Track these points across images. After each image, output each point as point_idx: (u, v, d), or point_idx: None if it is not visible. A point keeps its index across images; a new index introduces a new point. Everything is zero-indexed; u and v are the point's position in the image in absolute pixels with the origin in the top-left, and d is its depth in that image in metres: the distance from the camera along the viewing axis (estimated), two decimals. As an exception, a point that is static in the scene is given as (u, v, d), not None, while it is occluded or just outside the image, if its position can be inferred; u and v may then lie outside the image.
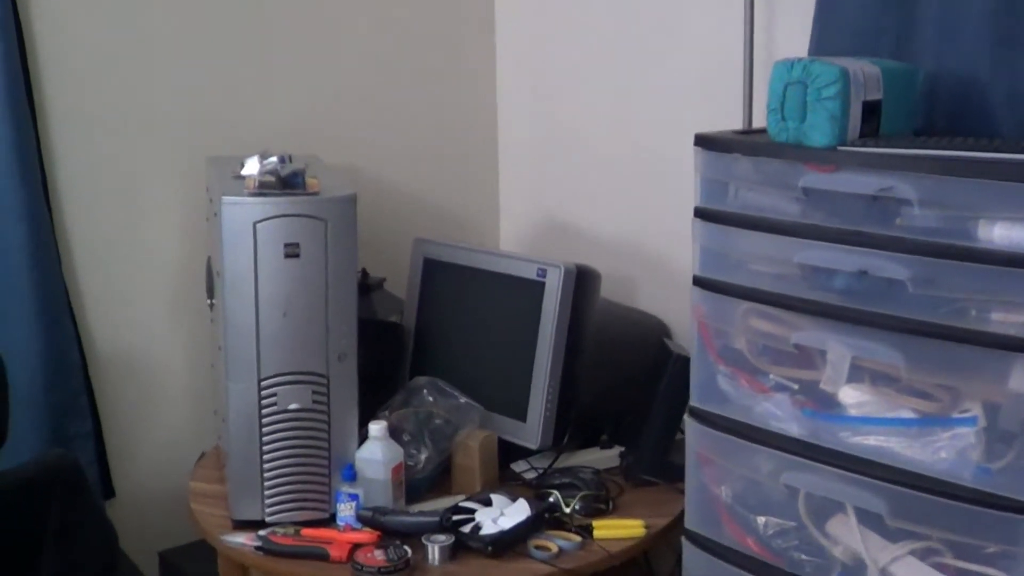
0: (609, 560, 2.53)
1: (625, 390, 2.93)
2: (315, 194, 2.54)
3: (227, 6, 3.16)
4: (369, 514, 2.55)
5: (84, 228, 3.01)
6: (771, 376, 2.27)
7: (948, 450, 1.99)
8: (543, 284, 2.83)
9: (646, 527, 2.61)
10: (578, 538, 2.56)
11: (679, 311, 2.85)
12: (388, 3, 3.45)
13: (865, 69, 2.15)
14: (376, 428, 2.63)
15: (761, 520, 2.28)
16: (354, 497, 2.56)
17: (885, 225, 2.01)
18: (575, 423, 2.90)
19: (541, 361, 2.83)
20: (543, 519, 2.59)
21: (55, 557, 2.46)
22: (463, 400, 2.85)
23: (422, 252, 3.16)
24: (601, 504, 2.70)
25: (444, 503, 2.66)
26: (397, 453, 2.65)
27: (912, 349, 2.00)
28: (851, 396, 2.13)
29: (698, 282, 2.34)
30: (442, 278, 3.12)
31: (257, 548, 2.51)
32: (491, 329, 3.01)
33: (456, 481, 2.81)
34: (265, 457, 2.57)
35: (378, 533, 2.52)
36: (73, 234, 2.99)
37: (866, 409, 2.11)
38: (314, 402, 2.58)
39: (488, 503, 2.62)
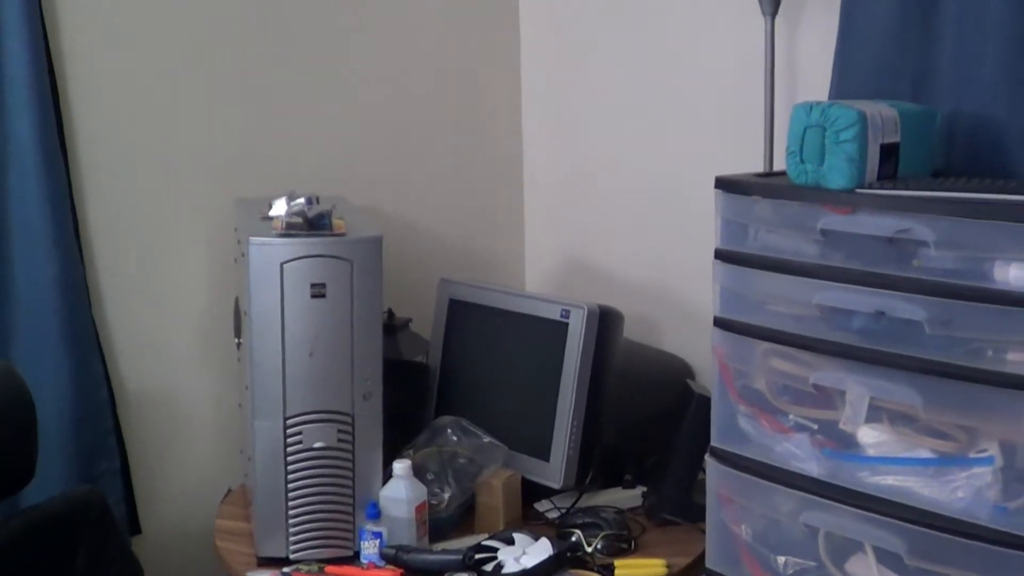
0: (631, 599, 2.55)
1: (648, 430, 2.94)
2: (341, 235, 2.57)
3: (255, 49, 3.20)
4: (392, 552, 2.57)
5: (114, 267, 3.04)
6: (791, 416, 2.28)
7: (965, 490, 2.00)
8: (567, 325, 2.85)
9: (668, 567, 2.61)
10: (600, 577, 2.57)
11: (702, 352, 2.86)
12: (414, 45, 3.48)
13: (883, 112, 2.17)
14: (400, 467, 2.65)
15: (781, 559, 2.28)
16: (378, 535, 2.58)
17: (902, 266, 2.03)
18: (598, 463, 2.91)
19: (564, 401, 2.85)
20: (565, 558, 2.59)
21: (82, 593, 2.49)
22: (487, 440, 2.87)
23: (447, 293, 3.19)
24: (623, 543, 2.71)
25: (467, 542, 2.67)
26: (421, 492, 2.67)
27: (929, 389, 2.01)
28: (870, 436, 2.14)
29: (718, 323, 2.35)
30: (467, 318, 3.14)
31: (281, 585, 2.54)
32: (515, 369, 3.02)
33: (479, 520, 2.83)
34: (290, 495, 2.59)
35: (401, 571, 2.53)
36: (103, 273, 3.02)
37: (884, 449, 2.12)
38: (339, 440, 2.60)
39: (511, 542, 2.63)
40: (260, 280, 2.53)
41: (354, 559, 2.62)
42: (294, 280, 2.53)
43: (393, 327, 3.16)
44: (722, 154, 3.01)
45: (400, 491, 2.63)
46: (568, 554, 2.61)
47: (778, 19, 2.79)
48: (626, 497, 2.95)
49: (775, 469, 2.25)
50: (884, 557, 2.09)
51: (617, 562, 2.62)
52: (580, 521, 2.77)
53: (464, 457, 2.84)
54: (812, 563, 2.23)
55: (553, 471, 2.87)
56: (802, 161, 2.18)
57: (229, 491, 3.08)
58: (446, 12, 3.56)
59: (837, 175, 2.13)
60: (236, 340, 2.87)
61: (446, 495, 2.79)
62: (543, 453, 2.88)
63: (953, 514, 1.98)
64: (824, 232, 2.15)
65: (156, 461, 3.15)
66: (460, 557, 2.55)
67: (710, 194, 2.34)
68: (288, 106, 3.28)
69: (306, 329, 2.55)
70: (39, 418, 2.49)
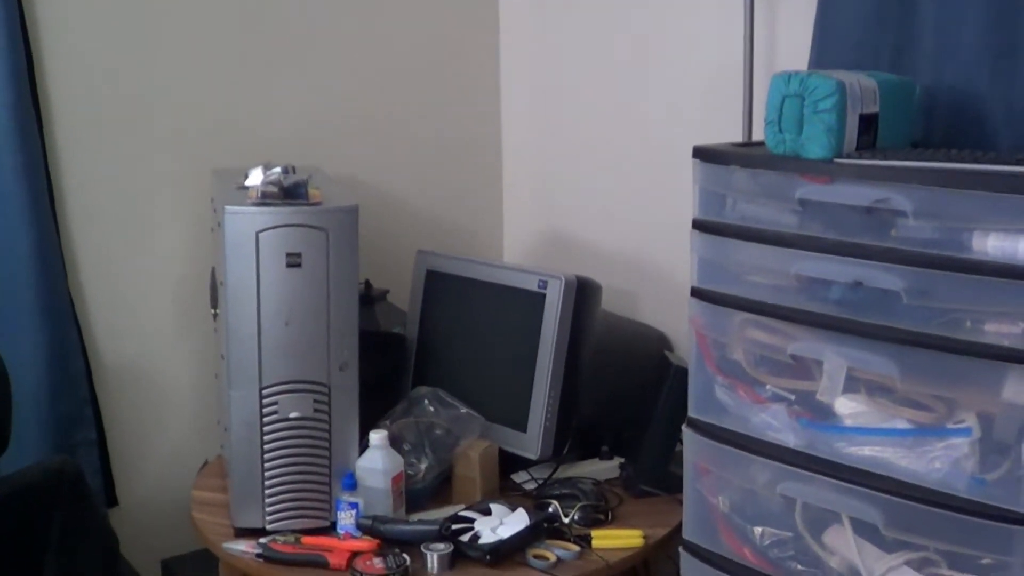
0: (607, 570, 2.54)
1: (625, 402, 2.93)
2: (317, 204, 2.56)
3: (232, 19, 3.18)
4: (369, 522, 2.56)
5: (90, 238, 3.02)
6: (768, 387, 2.28)
7: (943, 460, 2.00)
8: (544, 296, 2.85)
9: (645, 537, 2.62)
10: (577, 548, 2.57)
11: (680, 323, 2.85)
12: (392, 16, 3.47)
13: (862, 82, 2.16)
14: (377, 437, 2.64)
15: (758, 530, 2.28)
16: (354, 506, 2.58)
17: (880, 236, 2.02)
18: (575, 434, 2.90)
19: (542, 372, 2.84)
20: (542, 529, 2.60)
21: (57, 564, 2.47)
22: (464, 410, 2.86)
23: (424, 264, 3.18)
24: (600, 514, 2.72)
25: (444, 512, 2.67)
26: (397, 462, 2.66)
27: (907, 360, 2.01)
28: (847, 407, 2.14)
29: (696, 293, 2.35)
30: (444, 289, 3.13)
31: (258, 556, 2.53)
32: (492, 340, 3.02)
33: (456, 491, 2.82)
34: (266, 465, 2.59)
35: (377, 541, 2.53)
36: (78, 244, 3.01)
37: (861, 419, 2.11)
38: (315, 411, 2.60)
39: (487, 512, 2.64)
40: (235, 249, 2.52)
41: (330, 529, 2.62)
42: (269, 249, 2.52)
43: (371, 298, 3.16)
44: (700, 124, 3.00)
45: (377, 462, 2.62)
46: (545, 525, 2.62)
47: (758, -11, 2.79)
48: (603, 468, 2.95)
49: (752, 440, 2.24)
50: (861, 528, 2.10)
51: (594, 533, 2.62)
52: (557, 492, 2.78)
53: (441, 428, 2.84)
54: (789, 534, 2.23)
55: (530, 442, 2.86)
56: (780, 131, 2.17)
57: (206, 462, 3.08)
58: (424, -18, 3.54)
59: (815, 145, 2.12)
60: (212, 310, 2.86)
61: (423, 466, 2.79)
62: (520, 424, 2.88)
63: (930, 485, 1.98)
64: (802, 202, 2.14)
65: (133, 432, 3.14)
66: (437, 528, 2.55)
67: (688, 164, 2.33)
68: (266, 76, 3.26)
69: (282, 299, 2.54)
70: (14, 389, 2.48)
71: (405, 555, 2.47)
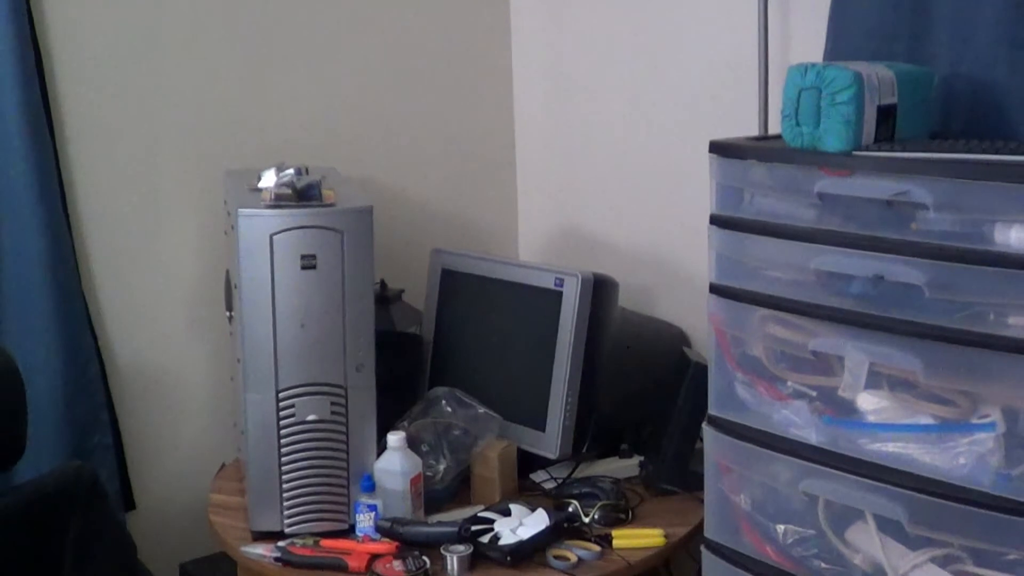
0: (629, 570, 2.53)
1: (644, 399, 2.92)
2: (331, 205, 2.55)
3: (244, 20, 3.16)
4: (388, 525, 2.55)
5: (103, 242, 3.01)
6: (789, 383, 2.26)
7: (967, 456, 1.98)
8: (560, 293, 2.83)
9: (666, 536, 2.61)
10: (597, 548, 2.55)
11: (698, 319, 2.84)
12: (404, 15, 3.45)
13: (880, 73, 2.14)
14: (395, 439, 2.62)
15: (780, 528, 2.26)
16: (373, 508, 2.56)
17: (901, 230, 2.00)
18: (594, 433, 2.89)
19: (559, 371, 2.83)
20: (562, 529, 2.59)
21: (74, 570, 2.46)
22: (482, 410, 2.84)
23: (440, 263, 3.16)
24: (620, 513, 2.70)
25: (463, 514, 2.66)
26: (416, 464, 2.65)
27: (930, 354, 1.99)
28: (869, 402, 2.12)
29: (714, 289, 2.33)
30: (460, 288, 3.12)
31: (276, 559, 2.51)
32: (509, 339, 3.00)
33: (475, 492, 2.81)
34: (284, 468, 2.58)
35: (397, 544, 2.52)
36: (92, 248, 3.00)
37: (885, 415, 2.10)
38: (332, 413, 2.58)
39: (507, 513, 2.62)
40: (250, 252, 2.51)
41: (349, 532, 2.60)
42: (284, 251, 2.50)
43: (386, 298, 3.14)
44: (715, 118, 2.98)
45: (395, 463, 2.61)
46: (565, 525, 2.60)
47: (772, -20, 2.76)
48: (623, 467, 2.94)
49: (774, 437, 2.23)
50: (885, 525, 2.08)
51: (615, 532, 2.60)
52: (577, 491, 2.76)
53: (459, 428, 2.82)
54: (812, 532, 2.22)
55: (549, 441, 2.85)
56: (798, 124, 2.15)
57: (223, 465, 3.06)
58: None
59: (833, 138, 2.10)
60: (227, 313, 2.84)
61: (441, 467, 2.77)
62: (539, 423, 2.86)
63: (955, 481, 1.96)
64: (821, 195, 2.12)
65: (149, 436, 3.13)
66: (456, 529, 2.53)
67: (704, 159, 2.31)
68: (278, 77, 3.24)
69: (297, 301, 2.53)
70: (31, 394, 2.47)
71: (425, 557, 2.47)
